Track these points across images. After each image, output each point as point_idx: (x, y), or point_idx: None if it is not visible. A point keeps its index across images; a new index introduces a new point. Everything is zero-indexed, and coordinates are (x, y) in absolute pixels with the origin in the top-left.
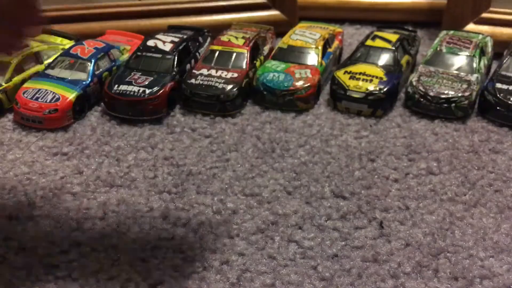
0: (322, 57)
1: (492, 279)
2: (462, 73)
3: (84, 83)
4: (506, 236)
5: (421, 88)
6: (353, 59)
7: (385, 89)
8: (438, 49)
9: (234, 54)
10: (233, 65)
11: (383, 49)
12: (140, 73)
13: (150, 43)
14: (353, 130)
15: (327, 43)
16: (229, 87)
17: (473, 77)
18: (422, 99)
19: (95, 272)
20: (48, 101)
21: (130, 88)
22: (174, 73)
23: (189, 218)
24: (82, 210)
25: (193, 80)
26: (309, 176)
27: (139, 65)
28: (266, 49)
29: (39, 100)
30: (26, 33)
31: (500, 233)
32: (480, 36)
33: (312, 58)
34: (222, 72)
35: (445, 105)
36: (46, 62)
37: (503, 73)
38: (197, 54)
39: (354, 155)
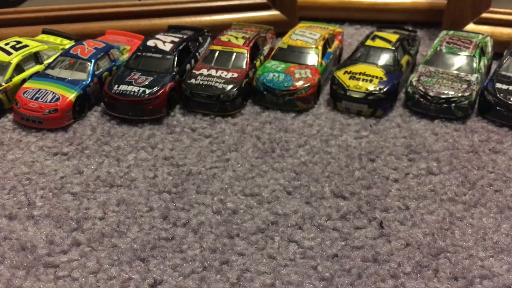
0: (322, 57)
1: (492, 279)
2: (462, 73)
3: (84, 83)
4: (506, 236)
5: (421, 88)
6: (353, 59)
7: (385, 89)
8: (438, 49)
9: (234, 54)
10: (233, 65)
11: (383, 49)
12: (140, 73)
13: (150, 43)
14: (353, 130)
15: (327, 43)
16: (229, 87)
17: (473, 77)
18: (422, 99)
19: (95, 272)
20: (48, 101)
21: (130, 88)
22: (174, 73)
23: (189, 218)
24: (82, 210)
25: (193, 80)
26: (309, 176)
27: (139, 65)
28: (266, 49)
29: (39, 100)
30: None
31: (500, 233)
32: (480, 36)
33: (312, 58)
34: (222, 72)
35: (445, 105)
36: (46, 62)
37: (503, 73)
38: (197, 54)
39: (354, 155)
